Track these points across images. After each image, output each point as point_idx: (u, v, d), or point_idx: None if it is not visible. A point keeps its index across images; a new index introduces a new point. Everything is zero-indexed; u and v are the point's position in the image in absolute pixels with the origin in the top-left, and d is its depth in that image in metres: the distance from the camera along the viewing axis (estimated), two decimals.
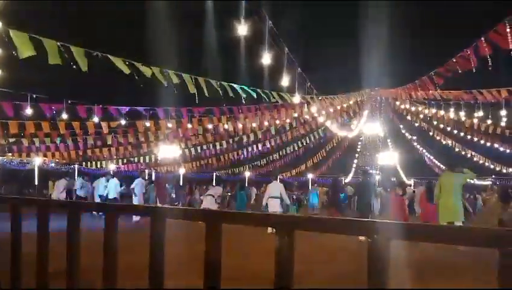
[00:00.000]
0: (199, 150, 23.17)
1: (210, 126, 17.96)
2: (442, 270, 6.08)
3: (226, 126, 18.36)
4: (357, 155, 33.38)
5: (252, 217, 1.91)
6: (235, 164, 31.32)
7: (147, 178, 16.01)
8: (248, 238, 8.71)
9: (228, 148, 24.04)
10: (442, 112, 19.77)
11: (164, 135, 17.75)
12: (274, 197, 10.24)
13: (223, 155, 26.49)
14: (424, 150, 32.72)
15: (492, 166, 30.40)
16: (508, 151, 25.04)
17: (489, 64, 9.90)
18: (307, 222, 1.80)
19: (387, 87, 25.12)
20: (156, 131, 17.05)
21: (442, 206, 8.33)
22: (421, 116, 24.03)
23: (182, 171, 27.53)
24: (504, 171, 31.12)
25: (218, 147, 22.71)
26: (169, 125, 16.35)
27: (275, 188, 10.37)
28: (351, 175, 34.27)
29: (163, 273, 2.07)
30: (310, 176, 32.23)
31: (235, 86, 11.82)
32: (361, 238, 8.41)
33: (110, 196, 13.31)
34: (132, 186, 13.49)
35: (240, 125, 18.64)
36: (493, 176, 31.40)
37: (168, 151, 18.75)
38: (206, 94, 10.72)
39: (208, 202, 11.42)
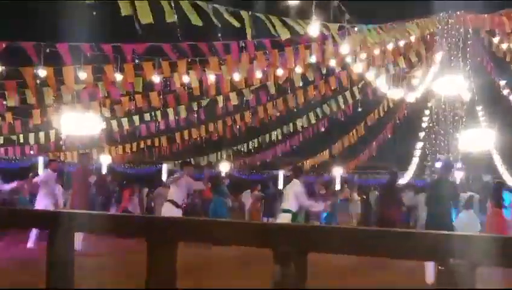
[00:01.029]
0: (137, 123, 23.07)
1: (156, 78, 17.85)
2: None
3: (185, 79, 18.30)
4: (421, 135, 33.60)
5: (227, 227, 1.86)
6: (202, 148, 31.36)
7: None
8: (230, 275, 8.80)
9: (190, 119, 23.96)
10: None
11: (72, 93, 17.63)
12: (284, 212, 10.50)
13: (180, 133, 26.45)
14: None
15: None
16: None
17: None
18: (332, 235, 1.78)
19: (477, 13, 25.16)
20: (56, 86, 16.94)
21: None
22: None
23: (105, 160, 27.49)
24: None
25: (171, 117, 22.67)
26: (82, 75, 16.22)
27: (289, 193, 10.60)
28: (411, 171, 34.61)
29: None
30: (338, 171, 32.47)
31: (202, 4, 11.77)
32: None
33: None
34: (37, 180, 13.74)
35: (212, 78, 18.58)
36: None
37: (79, 124, 18.64)
38: (149, 19, 10.70)
39: (169, 213, 11.61)
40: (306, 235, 1.86)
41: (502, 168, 33.17)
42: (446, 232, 1.63)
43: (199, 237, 1.93)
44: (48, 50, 14.75)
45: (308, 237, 1.83)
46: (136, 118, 22.81)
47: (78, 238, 10.69)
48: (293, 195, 10.47)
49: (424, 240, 1.70)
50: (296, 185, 10.61)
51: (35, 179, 14.26)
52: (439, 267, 1.59)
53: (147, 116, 22.90)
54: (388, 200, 14.08)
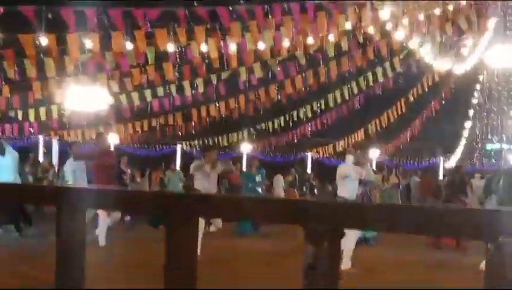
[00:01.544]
0: (148, 98, 23.12)
1: (170, 48, 17.85)
2: None
3: (203, 48, 18.29)
4: (471, 113, 33.35)
5: (256, 202, 1.92)
6: (222, 126, 31.37)
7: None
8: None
9: (207, 93, 23.93)
10: None
11: (76, 63, 17.68)
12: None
13: (197, 109, 26.46)
14: None
15: None
16: None
17: None
18: (368, 212, 1.83)
19: None
20: (58, 55, 16.98)
21: None
22: None
23: (113, 140, 27.67)
24: None
25: (188, 92, 22.63)
26: (88, 43, 16.32)
27: (337, 178, 10.65)
28: (456, 156, 34.46)
29: None
30: (375, 154, 32.27)
31: None
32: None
33: None
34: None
35: (233, 47, 18.54)
36: None
37: (84, 99, 18.78)
38: None
39: None
40: (340, 211, 1.88)
41: None
42: (495, 208, 1.65)
43: (222, 211, 1.97)
44: (50, 15, 14.77)
45: (343, 214, 1.86)
46: (147, 92, 22.83)
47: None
48: (340, 179, 10.47)
49: (471, 217, 1.72)
50: (341, 168, 10.60)
51: None
52: (488, 246, 1.62)
53: (160, 91, 22.90)
54: (454, 193, 13.98)
